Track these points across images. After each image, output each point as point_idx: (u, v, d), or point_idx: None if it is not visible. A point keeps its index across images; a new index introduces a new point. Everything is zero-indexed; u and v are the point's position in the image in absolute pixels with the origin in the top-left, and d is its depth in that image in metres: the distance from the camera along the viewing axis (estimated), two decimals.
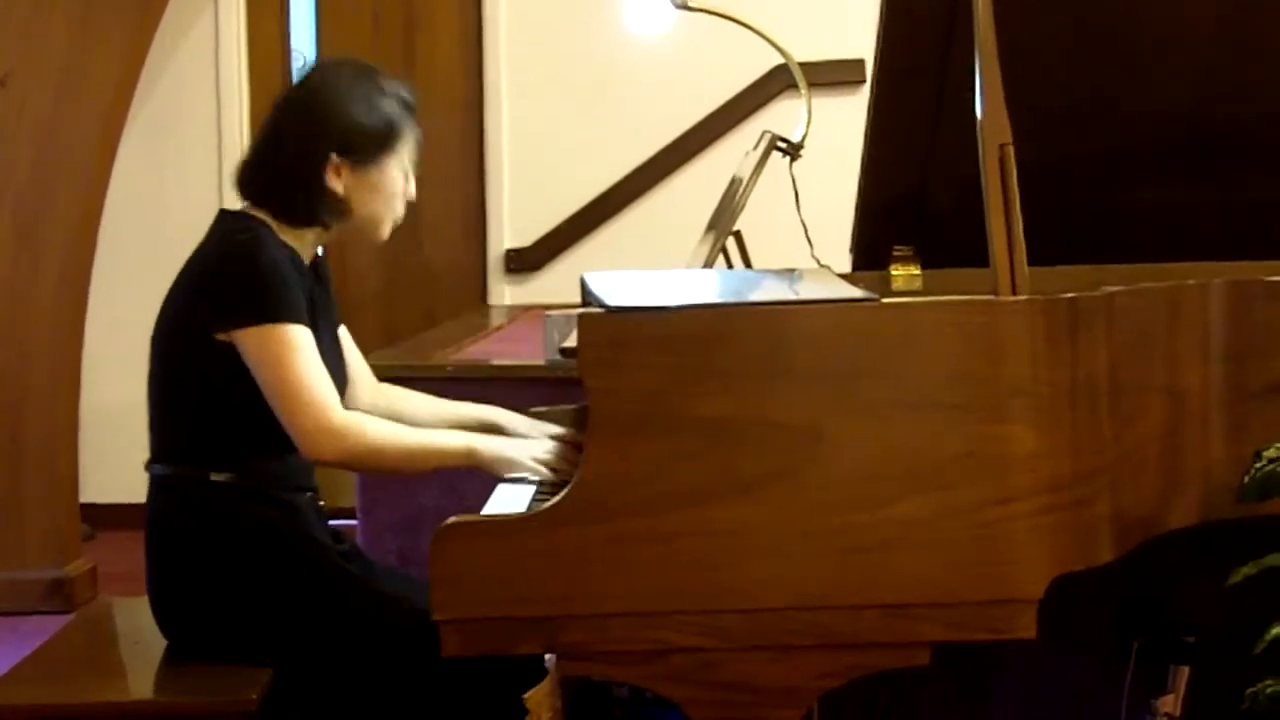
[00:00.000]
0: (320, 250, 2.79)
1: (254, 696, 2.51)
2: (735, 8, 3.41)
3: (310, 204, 2.65)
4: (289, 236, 2.67)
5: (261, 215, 2.68)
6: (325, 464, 2.59)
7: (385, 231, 2.73)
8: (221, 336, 2.58)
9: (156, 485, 2.70)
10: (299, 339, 2.55)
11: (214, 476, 2.63)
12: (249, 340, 2.55)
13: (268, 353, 2.54)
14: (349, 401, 2.82)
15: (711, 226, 3.02)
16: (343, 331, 2.89)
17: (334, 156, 2.64)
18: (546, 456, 2.60)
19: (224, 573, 2.61)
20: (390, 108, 2.67)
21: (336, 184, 2.65)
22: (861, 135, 3.03)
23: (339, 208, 2.66)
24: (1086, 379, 2.30)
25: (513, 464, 2.58)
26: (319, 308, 2.71)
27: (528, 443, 2.67)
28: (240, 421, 2.59)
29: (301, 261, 2.67)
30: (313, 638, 2.59)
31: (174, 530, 2.66)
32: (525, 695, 2.61)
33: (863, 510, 2.21)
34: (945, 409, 2.22)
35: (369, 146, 2.65)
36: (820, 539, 2.21)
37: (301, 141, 2.65)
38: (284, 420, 2.55)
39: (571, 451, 2.62)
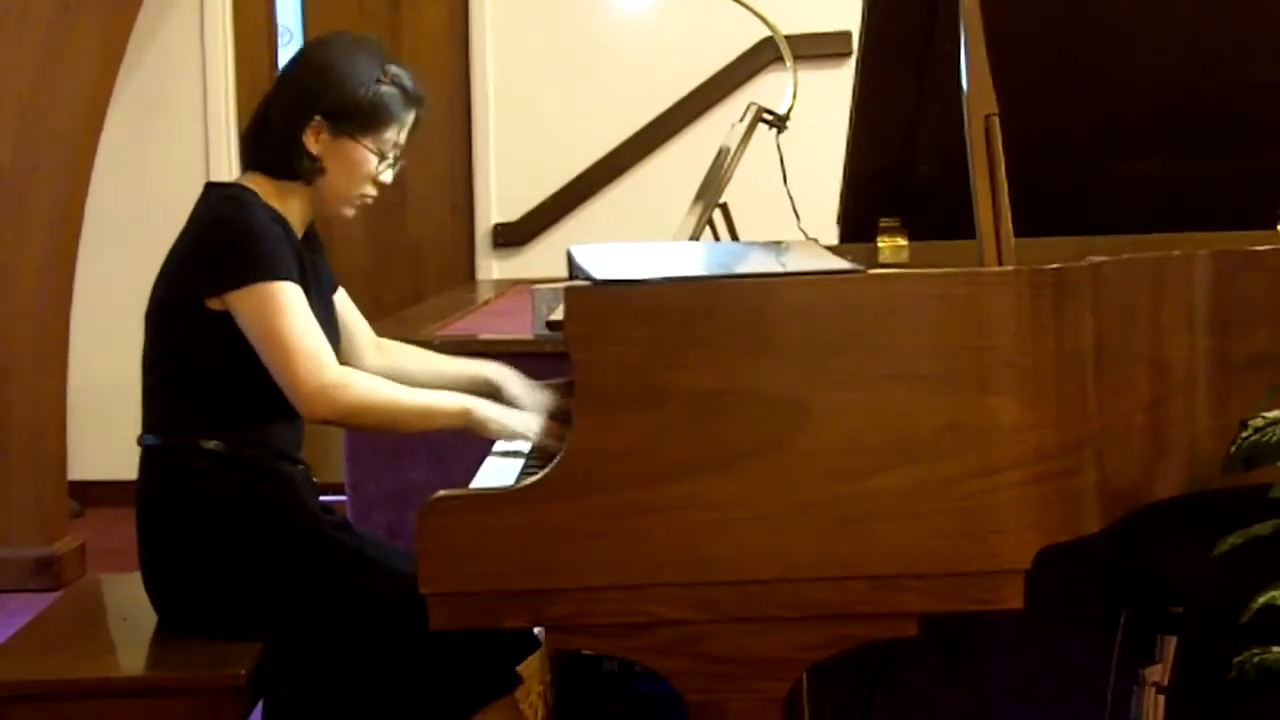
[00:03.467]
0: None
1: (242, 672, 2.51)
2: None
3: (286, 154, 2.68)
4: (275, 203, 2.68)
5: (248, 184, 2.70)
6: (321, 421, 2.59)
7: (345, 209, 2.75)
8: (214, 304, 2.59)
9: (147, 455, 2.71)
10: (289, 296, 2.56)
11: (204, 444, 2.64)
12: (241, 302, 2.56)
13: (260, 311, 2.55)
14: (353, 362, 2.87)
15: (698, 199, 3.02)
16: (341, 294, 2.90)
17: (317, 118, 2.67)
18: (538, 427, 2.64)
19: (214, 539, 2.62)
20: (388, 94, 2.69)
21: (312, 145, 2.68)
22: (848, 107, 3.02)
23: (313, 165, 2.68)
24: (1072, 349, 2.30)
25: (505, 428, 2.60)
26: (312, 276, 2.72)
27: (523, 413, 2.68)
28: (231, 390, 2.60)
29: (290, 227, 2.68)
30: (303, 606, 2.59)
31: (165, 499, 2.66)
32: (518, 668, 2.62)
33: (849, 482, 2.21)
34: (931, 380, 2.22)
35: (352, 121, 2.68)
36: (807, 511, 2.21)
37: (296, 94, 2.70)
38: (278, 377, 2.56)
39: (561, 429, 2.63)
